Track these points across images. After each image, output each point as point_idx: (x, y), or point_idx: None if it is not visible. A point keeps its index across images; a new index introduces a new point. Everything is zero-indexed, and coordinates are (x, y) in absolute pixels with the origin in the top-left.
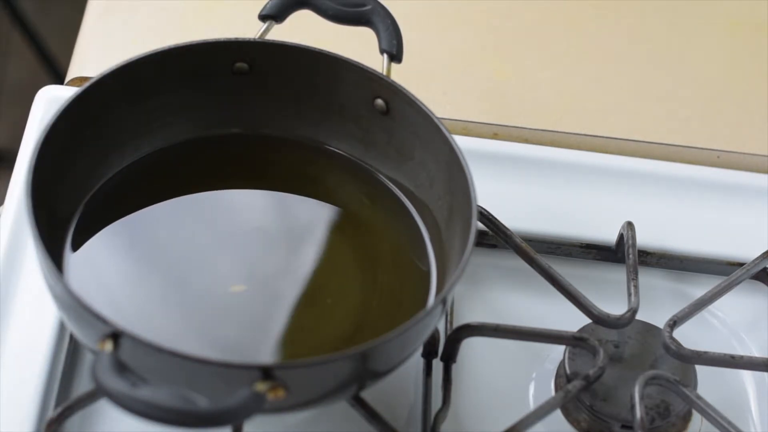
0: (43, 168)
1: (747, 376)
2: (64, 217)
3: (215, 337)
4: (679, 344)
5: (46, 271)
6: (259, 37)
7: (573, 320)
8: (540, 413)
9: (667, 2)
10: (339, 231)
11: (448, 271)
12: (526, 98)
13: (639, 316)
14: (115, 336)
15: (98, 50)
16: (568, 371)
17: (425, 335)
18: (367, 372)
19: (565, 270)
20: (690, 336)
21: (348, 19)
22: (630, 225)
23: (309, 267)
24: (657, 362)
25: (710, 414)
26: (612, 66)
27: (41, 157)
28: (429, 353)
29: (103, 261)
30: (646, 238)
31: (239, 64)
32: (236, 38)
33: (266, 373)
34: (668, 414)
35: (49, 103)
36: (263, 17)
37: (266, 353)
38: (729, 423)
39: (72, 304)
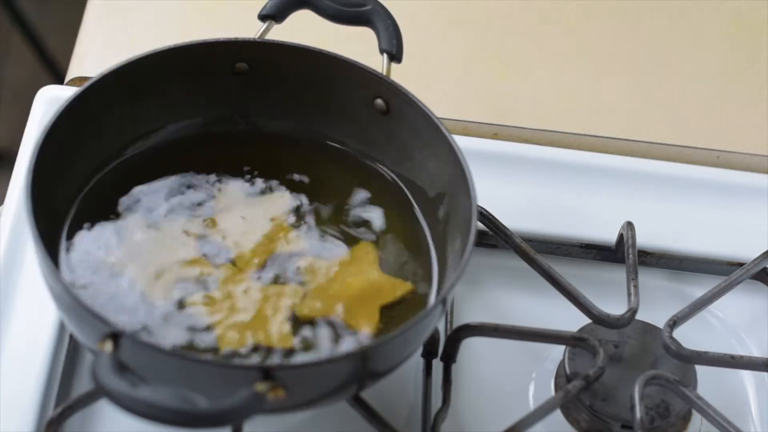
0: (42, 168)
1: (747, 376)
2: (64, 216)
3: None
4: (679, 344)
5: (46, 271)
6: (259, 37)
7: (573, 320)
8: (540, 413)
9: (667, 2)
10: (340, 229)
11: (448, 271)
12: (526, 98)
13: (639, 316)
14: (115, 336)
15: (98, 50)
16: (568, 371)
17: (425, 335)
18: (367, 372)
19: (565, 270)
20: (690, 336)
21: (348, 19)
22: (630, 225)
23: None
24: (657, 362)
25: (710, 414)
26: (612, 66)
27: (41, 157)
28: (429, 353)
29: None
30: (646, 238)
31: (239, 64)
32: (236, 38)
33: (266, 373)
34: (668, 414)
35: (49, 103)
36: (263, 17)
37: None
38: (729, 423)
39: (72, 304)
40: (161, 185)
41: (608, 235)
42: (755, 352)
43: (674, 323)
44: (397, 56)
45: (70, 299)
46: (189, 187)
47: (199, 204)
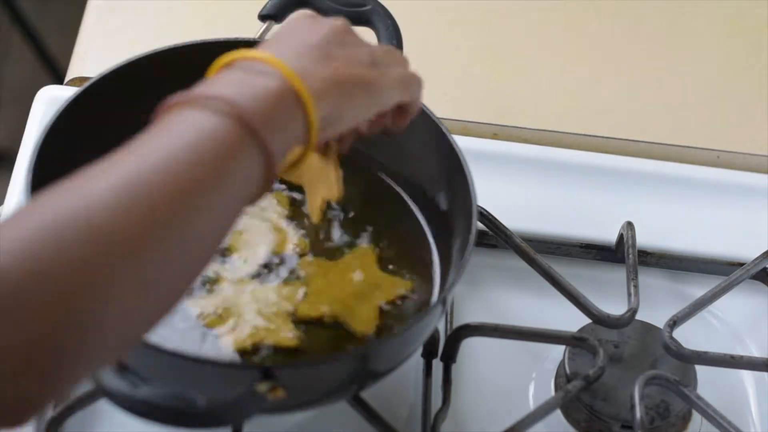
0: (42, 168)
1: (747, 376)
2: None
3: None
4: (679, 344)
5: None
6: (259, 37)
7: (573, 320)
8: (540, 413)
9: (667, 2)
10: (340, 229)
11: (449, 271)
12: (526, 98)
13: (639, 316)
14: None
15: (98, 50)
16: (568, 371)
17: (425, 335)
18: (367, 372)
19: (565, 270)
20: (690, 336)
21: (348, 19)
22: (630, 225)
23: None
24: (657, 362)
25: (710, 414)
26: (612, 66)
27: (41, 157)
28: (429, 353)
29: None
30: (646, 238)
31: None
32: (236, 38)
33: (266, 373)
34: (668, 414)
35: (49, 103)
36: (263, 17)
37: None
38: (729, 423)
39: None
40: None
41: (608, 235)
42: (755, 352)
43: (674, 323)
44: None
45: None
46: None
47: None
